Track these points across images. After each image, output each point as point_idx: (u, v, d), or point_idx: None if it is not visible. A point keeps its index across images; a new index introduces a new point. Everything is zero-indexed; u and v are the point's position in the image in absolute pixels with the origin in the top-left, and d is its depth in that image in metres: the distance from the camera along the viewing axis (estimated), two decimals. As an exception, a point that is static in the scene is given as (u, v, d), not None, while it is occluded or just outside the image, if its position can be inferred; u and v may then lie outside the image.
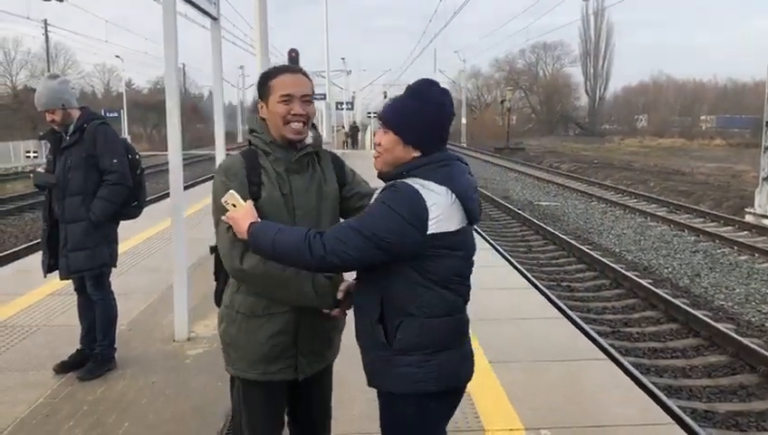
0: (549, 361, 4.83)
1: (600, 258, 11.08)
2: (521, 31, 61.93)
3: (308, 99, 2.38)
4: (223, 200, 2.22)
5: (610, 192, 21.93)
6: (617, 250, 12.62)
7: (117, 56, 52.27)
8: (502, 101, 60.66)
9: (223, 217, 2.23)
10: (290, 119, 2.33)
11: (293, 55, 21.46)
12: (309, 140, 2.44)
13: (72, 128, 4.27)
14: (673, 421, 3.98)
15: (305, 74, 2.45)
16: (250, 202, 2.23)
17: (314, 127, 2.50)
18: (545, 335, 5.46)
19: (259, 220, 2.18)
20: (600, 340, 7.04)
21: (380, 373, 2.18)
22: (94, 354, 4.46)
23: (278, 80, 2.36)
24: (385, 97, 79.45)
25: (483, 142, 57.41)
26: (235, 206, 2.21)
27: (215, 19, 5.95)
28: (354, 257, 2.03)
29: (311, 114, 2.39)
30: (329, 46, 32.98)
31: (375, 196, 2.15)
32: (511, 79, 79.28)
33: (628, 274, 10.01)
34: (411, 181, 2.07)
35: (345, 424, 3.71)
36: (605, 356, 5.21)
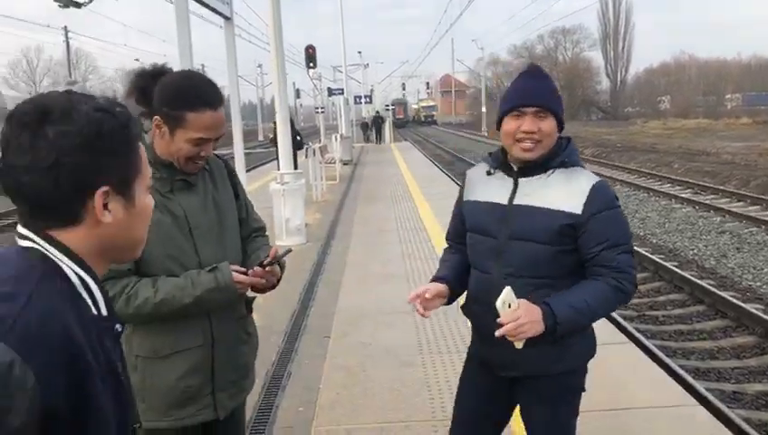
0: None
1: (625, 242, 10.96)
2: (538, 16, 61.13)
3: (220, 137, 2.08)
4: (500, 302, 1.92)
5: (634, 175, 21.65)
6: (641, 233, 12.49)
7: (136, 60, 52.81)
8: (521, 89, 60.00)
9: (504, 324, 1.92)
10: (197, 159, 2.04)
11: (311, 52, 21.50)
12: None
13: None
14: (698, 403, 3.96)
15: (222, 108, 2.08)
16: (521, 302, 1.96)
17: None
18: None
19: (549, 307, 1.97)
20: (625, 323, 6.99)
21: (553, 360, 2.14)
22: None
23: (198, 116, 1.97)
24: (404, 88, 79.54)
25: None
26: (510, 306, 1.94)
27: (228, 19, 6.02)
28: None
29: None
30: (345, 40, 32.95)
31: (585, 200, 2.06)
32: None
33: (653, 256, 9.91)
34: (591, 174, 2.15)
35: (377, 412, 3.87)
36: (628, 339, 5.18)
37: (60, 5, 16.29)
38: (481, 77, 66.78)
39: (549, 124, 2.09)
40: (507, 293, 1.94)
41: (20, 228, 1.05)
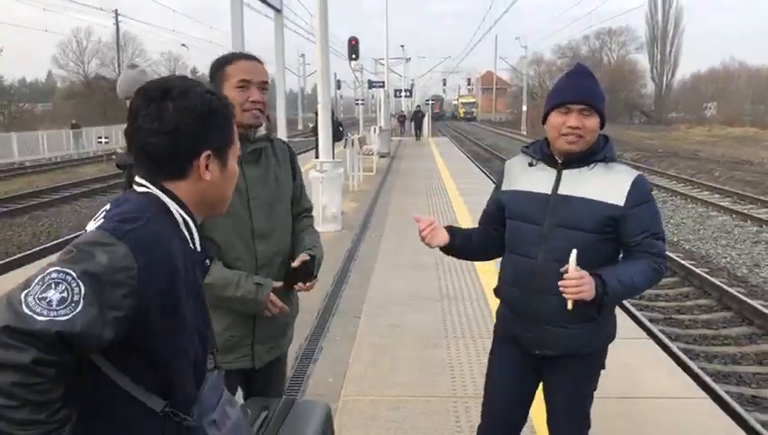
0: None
1: (656, 246, 10.99)
2: (584, 16, 60.27)
3: (265, 86, 2.34)
4: (573, 261, 2.13)
5: (672, 181, 21.43)
6: (674, 239, 12.47)
7: (183, 45, 53.84)
8: (563, 89, 59.42)
9: (571, 277, 2.12)
10: (248, 107, 2.27)
11: (353, 43, 21.73)
12: (263, 130, 2.42)
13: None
14: (707, 396, 4.12)
15: (261, 62, 2.40)
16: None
17: (267, 117, 2.46)
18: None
19: (600, 279, 2.14)
20: (650, 324, 7.11)
21: (592, 339, 2.35)
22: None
23: (234, 65, 2.29)
24: (444, 84, 79.27)
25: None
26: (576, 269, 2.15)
27: (278, 11, 6.28)
28: None
29: (266, 102, 2.36)
30: (388, 33, 33.17)
31: (629, 188, 2.24)
32: (574, 65, 77.48)
33: (684, 262, 9.93)
34: (631, 168, 2.34)
35: (401, 387, 4.16)
36: (647, 336, 5.34)
37: (114, -10, 16.79)
38: (523, 75, 66.25)
39: (593, 122, 2.24)
40: (575, 254, 2.11)
41: (137, 178, 1.38)
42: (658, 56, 74.84)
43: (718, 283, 8.76)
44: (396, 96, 42.09)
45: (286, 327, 2.58)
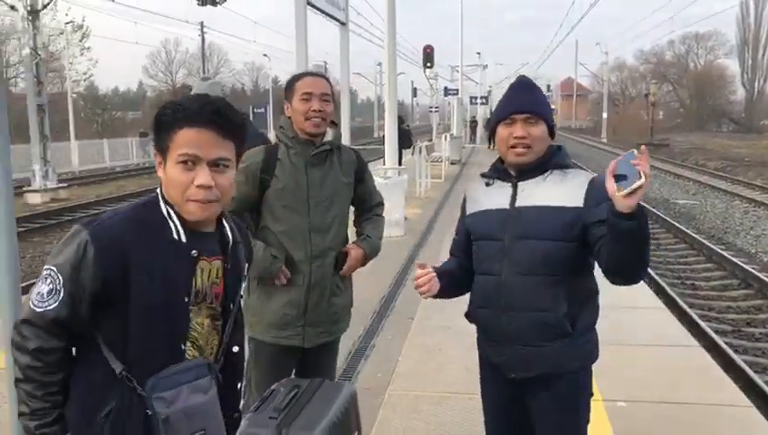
0: (643, 345, 5.01)
1: (731, 258, 10.64)
2: (667, 20, 58.16)
3: (327, 98, 2.69)
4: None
5: (757, 191, 20.48)
6: (752, 251, 12.01)
7: (264, 55, 55.56)
8: (646, 95, 57.73)
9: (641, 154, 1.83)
10: (310, 115, 2.66)
11: (428, 52, 21.99)
12: (329, 137, 2.76)
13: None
14: (751, 405, 4.08)
15: (325, 78, 2.80)
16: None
17: (335, 124, 2.81)
18: (649, 323, 5.61)
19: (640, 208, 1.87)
20: (715, 336, 6.96)
21: (566, 358, 2.21)
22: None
23: (300, 82, 2.70)
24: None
25: (625, 138, 54.95)
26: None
27: (343, 24, 6.58)
28: None
29: (328, 112, 2.70)
30: (463, 41, 33.28)
31: (586, 189, 2.16)
32: (658, 71, 75.12)
33: (760, 274, 9.59)
34: (588, 171, 2.31)
35: (445, 384, 4.32)
36: (697, 343, 5.29)
37: (198, 3, 17.54)
38: (603, 82, 64.67)
39: (539, 129, 2.21)
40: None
41: None
42: (750, 61, 71.35)
43: (794, 297, 8.44)
44: (471, 103, 41.98)
45: (337, 315, 2.88)
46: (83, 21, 41.99)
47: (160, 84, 63.64)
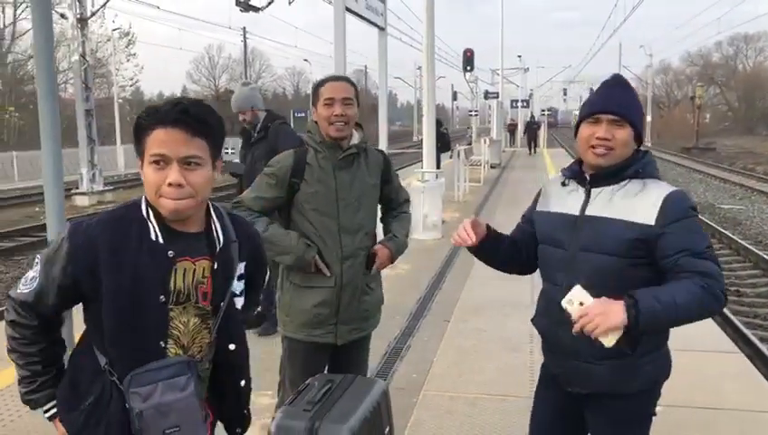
0: (685, 350, 4.93)
1: (779, 265, 10.38)
2: (714, 21, 56.62)
3: (349, 101, 2.72)
4: (566, 300, 1.93)
5: (808, 197, 19.90)
6: (801, 257, 11.66)
7: (305, 60, 56.16)
8: (692, 98, 56.44)
9: (577, 318, 1.88)
10: (333, 120, 2.71)
11: (469, 55, 21.92)
12: (355, 140, 2.81)
13: (258, 126, 5.19)
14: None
15: (349, 81, 2.85)
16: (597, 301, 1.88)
17: (360, 127, 2.86)
18: (691, 328, 5.51)
19: (631, 297, 1.86)
20: (760, 345, 6.80)
21: (628, 378, 2.12)
22: (271, 315, 5.31)
23: (323, 87, 2.75)
24: (565, 94, 77.32)
25: (670, 142, 53.86)
26: (582, 304, 1.89)
27: (382, 29, 6.65)
28: None
29: (350, 115, 2.73)
30: (503, 44, 33.09)
31: (661, 205, 2.01)
32: (705, 74, 73.32)
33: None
34: (667, 184, 2.10)
35: (479, 385, 4.37)
36: (738, 350, 5.19)
37: (240, 10, 17.87)
38: (648, 84, 63.44)
39: (624, 133, 2.07)
40: (577, 290, 1.91)
41: None
42: (802, 62, 69.11)
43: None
44: (512, 106, 41.65)
45: (368, 312, 2.96)
46: (130, 28, 43.11)
47: (204, 89, 64.71)
